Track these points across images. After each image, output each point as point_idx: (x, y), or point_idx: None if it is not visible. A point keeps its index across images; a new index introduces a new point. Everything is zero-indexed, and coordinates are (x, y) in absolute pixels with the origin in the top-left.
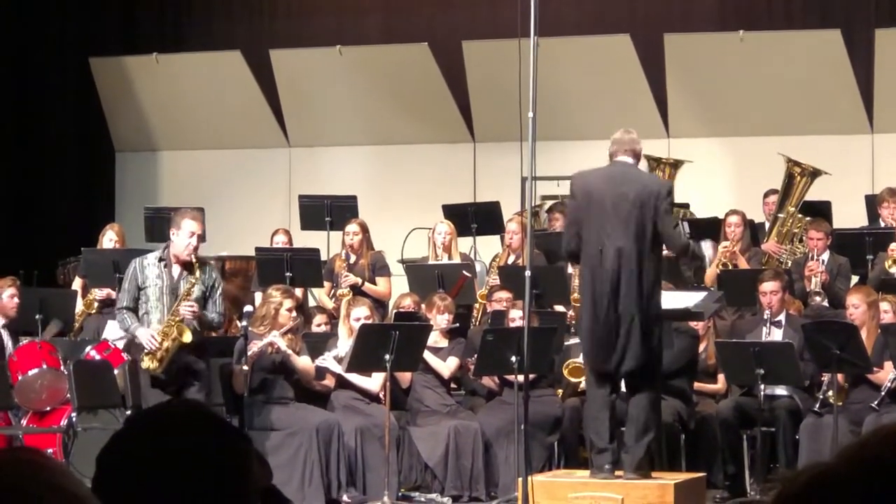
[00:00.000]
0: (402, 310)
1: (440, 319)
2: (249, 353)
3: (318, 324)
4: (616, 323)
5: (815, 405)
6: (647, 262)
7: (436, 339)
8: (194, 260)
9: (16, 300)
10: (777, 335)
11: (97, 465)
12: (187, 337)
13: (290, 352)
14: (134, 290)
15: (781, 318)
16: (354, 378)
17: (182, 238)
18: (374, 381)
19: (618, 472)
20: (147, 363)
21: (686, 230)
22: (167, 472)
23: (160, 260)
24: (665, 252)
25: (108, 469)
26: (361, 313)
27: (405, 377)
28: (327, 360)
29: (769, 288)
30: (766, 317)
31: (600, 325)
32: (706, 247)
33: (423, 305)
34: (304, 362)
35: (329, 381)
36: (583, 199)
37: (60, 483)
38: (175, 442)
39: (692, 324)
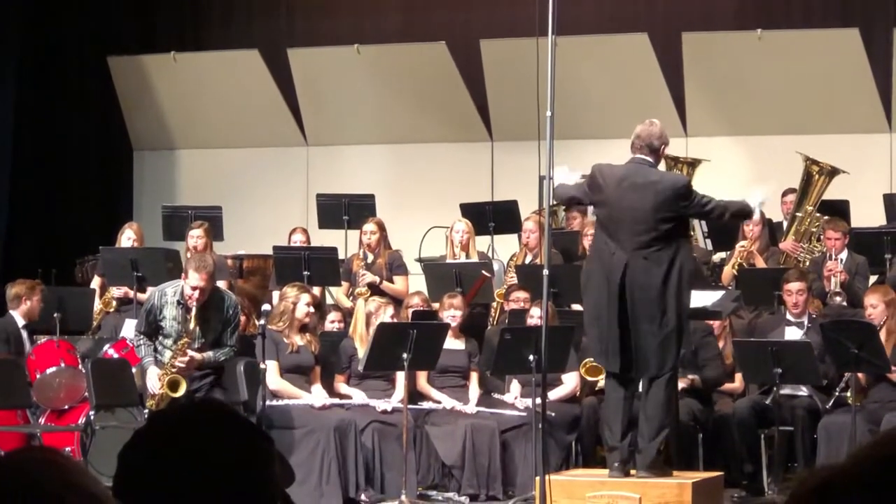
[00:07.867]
0: (410, 308)
1: (446, 315)
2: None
3: (332, 321)
4: (626, 327)
5: (829, 402)
6: (667, 264)
7: (451, 338)
8: (194, 307)
9: (41, 305)
10: (799, 335)
11: (119, 461)
12: (181, 390)
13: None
14: (151, 321)
15: (804, 318)
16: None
17: (187, 288)
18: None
19: (632, 472)
20: (150, 404)
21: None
22: (189, 470)
23: (179, 303)
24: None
25: (129, 466)
26: (388, 318)
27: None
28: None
29: (794, 288)
30: (788, 317)
31: (610, 330)
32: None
33: (432, 304)
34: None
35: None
36: (596, 196)
37: (80, 482)
38: (197, 440)
39: (709, 322)
